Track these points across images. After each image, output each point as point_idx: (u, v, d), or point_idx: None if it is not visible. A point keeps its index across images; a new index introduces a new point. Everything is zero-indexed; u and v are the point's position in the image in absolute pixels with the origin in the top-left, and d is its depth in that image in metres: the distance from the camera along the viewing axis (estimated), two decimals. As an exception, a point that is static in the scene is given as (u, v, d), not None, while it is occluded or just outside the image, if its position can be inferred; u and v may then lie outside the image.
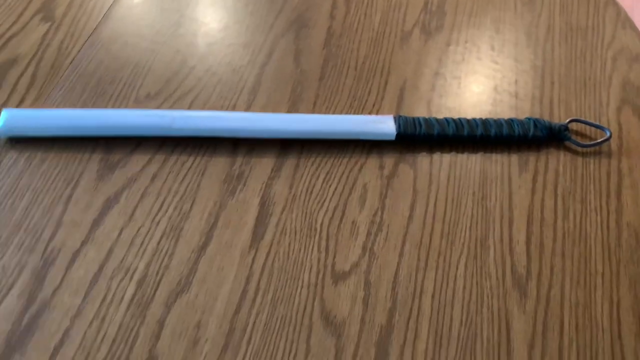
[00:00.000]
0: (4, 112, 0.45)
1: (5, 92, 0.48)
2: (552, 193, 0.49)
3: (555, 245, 0.46)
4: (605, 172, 0.52)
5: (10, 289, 0.39)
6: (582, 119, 0.54)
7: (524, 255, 0.45)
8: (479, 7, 0.62)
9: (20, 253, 0.41)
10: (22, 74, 0.49)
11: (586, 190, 0.50)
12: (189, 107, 0.50)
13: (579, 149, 0.53)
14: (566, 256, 0.46)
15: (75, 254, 0.41)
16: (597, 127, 0.54)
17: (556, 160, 0.52)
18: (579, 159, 0.52)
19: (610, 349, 0.42)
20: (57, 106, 0.48)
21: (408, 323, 0.41)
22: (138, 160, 0.46)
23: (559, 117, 0.55)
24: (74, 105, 0.48)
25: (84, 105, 0.48)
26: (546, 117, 0.54)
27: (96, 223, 0.43)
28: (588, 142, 0.53)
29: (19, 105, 0.48)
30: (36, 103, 0.48)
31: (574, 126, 0.54)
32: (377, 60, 0.56)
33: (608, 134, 0.53)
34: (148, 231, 0.43)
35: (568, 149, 0.53)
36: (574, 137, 0.53)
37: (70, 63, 0.51)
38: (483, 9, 0.62)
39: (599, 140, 0.53)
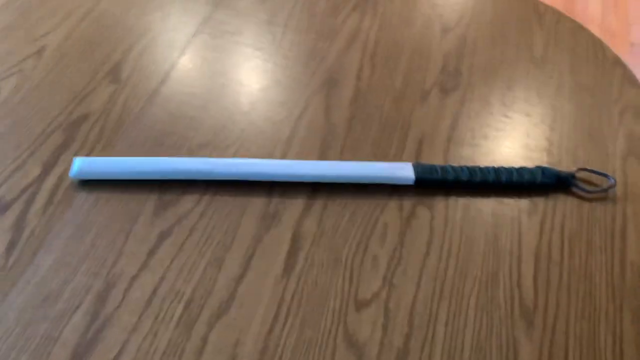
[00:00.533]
0: (77, 159, 0.54)
1: (78, 143, 0.57)
2: (559, 234, 0.54)
3: (562, 281, 0.51)
4: (611, 216, 0.56)
5: (78, 307, 0.46)
6: (589, 168, 0.59)
7: (531, 290, 0.50)
8: (492, 69, 0.69)
9: (87, 277, 0.47)
10: (92, 127, 0.58)
11: (592, 232, 0.54)
12: (233, 155, 0.57)
13: (586, 194, 0.57)
14: (571, 292, 0.50)
15: (133, 279, 0.48)
16: (602, 175, 0.58)
17: (564, 205, 0.56)
18: (586, 204, 0.57)
19: (612, 377, 0.45)
20: (122, 155, 0.56)
21: (423, 347, 0.46)
22: (188, 200, 0.53)
23: (567, 166, 0.60)
24: (135, 154, 0.56)
25: (144, 154, 0.56)
26: (555, 166, 0.59)
27: (151, 253, 0.49)
28: (594, 189, 0.57)
29: (89, 154, 0.56)
30: (104, 151, 0.56)
31: (581, 174, 0.59)
32: (399, 115, 0.63)
33: (613, 181, 0.57)
34: (195, 261, 0.49)
35: (575, 195, 0.57)
36: (581, 184, 0.58)
37: (134, 118, 0.59)
38: (496, 70, 0.69)
39: (604, 187, 0.57)
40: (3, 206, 0.51)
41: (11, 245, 0.49)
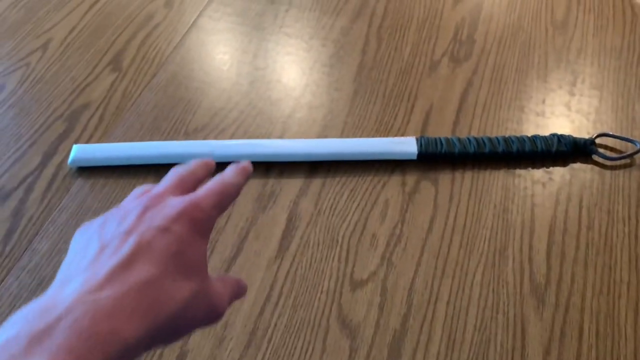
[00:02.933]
0: (75, 147, 0.54)
1: (78, 131, 0.57)
2: (576, 205, 0.50)
3: (578, 254, 0.47)
4: (636, 183, 0.51)
5: (70, 292, 0.46)
6: (610, 133, 0.54)
7: (543, 264, 0.46)
8: (509, 34, 0.65)
9: (81, 262, 0.47)
10: (92, 116, 0.58)
11: (614, 201, 0.50)
12: (231, 137, 0.56)
13: (607, 162, 0.53)
14: (589, 265, 0.46)
15: (125, 263, 0.47)
16: (626, 140, 0.54)
17: (582, 174, 0.52)
18: (607, 172, 0.52)
19: (633, 356, 0.41)
20: (119, 141, 0.56)
21: (422, 327, 0.43)
22: (183, 184, 0.52)
23: (588, 133, 0.55)
24: (133, 140, 0.56)
25: (142, 139, 0.56)
26: (575, 134, 0.55)
27: (144, 237, 0.49)
28: (617, 155, 0.53)
29: (88, 141, 0.56)
30: (102, 139, 0.56)
31: (603, 140, 0.54)
32: (405, 87, 0.60)
33: (638, 146, 0.52)
34: (187, 243, 0.48)
35: (596, 163, 0.53)
36: (601, 150, 0.53)
37: (132, 105, 0.59)
38: (513, 35, 0.65)
39: (628, 153, 0.52)
40: (3, 196, 0.52)
41: (9, 233, 0.49)
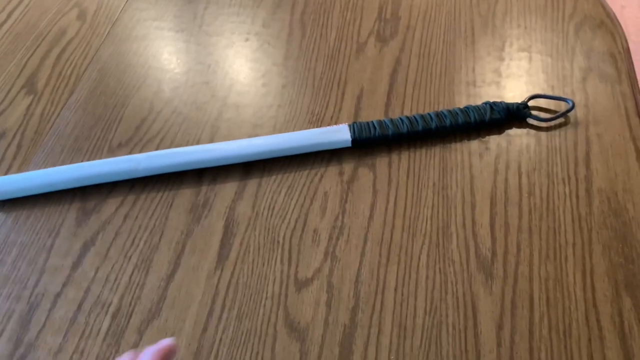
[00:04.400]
0: (-8, 180, 0.50)
1: (-5, 163, 0.53)
2: (515, 172, 0.49)
3: (522, 222, 0.46)
4: (572, 142, 0.51)
5: None
6: (542, 93, 0.53)
7: (488, 237, 0.45)
8: (433, 5, 0.63)
9: (9, 302, 0.44)
10: (9, 145, 0.55)
11: (552, 163, 0.49)
12: (157, 148, 0.53)
13: (542, 124, 0.52)
14: (533, 231, 0.45)
15: (57, 297, 0.44)
16: (558, 99, 0.53)
17: (519, 139, 0.51)
18: (543, 134, 0.51)
19: (584, 318, 0.40)
20: (40, 168, 0.53)
21: (371, 319, 0.42)
22: (111, 204, 0.50)
23: (521, 97, 0.54)
24: (54, 164, 0.53)
25: (63, 163, 0.53)
26: (508, 99, 0.54)
27: (75, 266, 0.46)
28: (551, 116, 0.52)
29: (7, 172, 0.53)
30: (22, 167, 0.53)
31: (537, 103, 0.54)
32: (334, 74, 0.58)
33: (570, 104, 0.52)
34: (121, 267, 0.46)
35: (531, 126, 0.52)
36: (535, 113, 0.53)
37: (51, 128, 0.56)
38: (438, 6, 0.63)
39: (560, 112, 0.52)
40: None
41: None
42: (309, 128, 0.54)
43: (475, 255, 0.44)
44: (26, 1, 0.69)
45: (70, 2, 0.68)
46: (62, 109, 0.57)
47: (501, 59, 0.58)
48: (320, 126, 0.54)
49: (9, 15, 0.67)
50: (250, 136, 0.54)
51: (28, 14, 0.67)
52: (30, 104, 0.58)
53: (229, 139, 0.54)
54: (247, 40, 0.62)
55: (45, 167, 0.53)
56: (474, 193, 0.48)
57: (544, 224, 0.45)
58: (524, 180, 0.48)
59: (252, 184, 0.50)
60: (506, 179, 0.49)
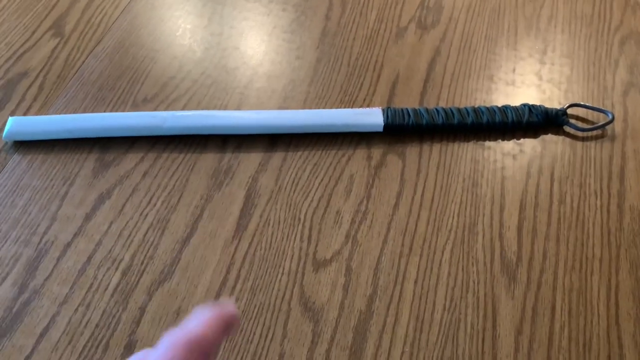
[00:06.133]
0: (10, 119, 0.49)
1: (14, 102, 0.52)
2: (548, 178, 0.48)
3: (550, 229, 0.45)
4: (608, 155, 0.49)
5: (5, 278, 0.41)
6: (582, 103, 0.52)
7: (514, 241, 0.44)
8: (477, 2, 0.62)
9: (17, 246, 0.43)
10: (30, 85, 0.53)
11: (586, 174, 0.48)
12: (183, 108, 0.52)
13: (579, 133, 0.51)
14: (561, 241, 0.44)
15: (67, 246, 0.43)
16: (598, 110, 0.52)
17: (554, 146, 0.50)
18: (579, 144, 0.50)
19: (606, 334, 0.40)
20: (60, 113, 0.51)
21: (388, 309, 0.41)
22: (131, 159, 0.48)
23: (559, 103, 0.53)
24: (75, 111, 0.51)
25: (85, 111, 0.51)
26: (546, 104, 0.53)
27: (88, 217, 0.45)
28: (589, 126, 0.51)
29: (26, 113, 0.51)
30: (41, 110, 0.51)
31: (575, 111, 0.52)
32: (371, 56, 0.56)
33: (610, 117, 0.51)
34: (136, 224, 0.44)
35: (567, 134, 0.51)
36: (573, 121, 0.51)
37: (75, 74, 0.54)
38: (482, 1, 0.62)
39: (600, 124, 0.51)
40: None
41: None
42: (341, 107, 0.52)
43: (500, 258, 0.43)
44: (60, -58, 0.66)
45: (105, -51, 0.66)
46: (88, 55, 0.55)
47: (542, 63, 0.56)
48: (352, 107, 0.52)
49: (41, -46, 0.65)
50: (279, 108, 0.52)
51: (61, -45, 0.65)
52: (56, 47, 0.56)
53: (257, 109, 0.52)
54: (284, 10, 0.60)
55: (66, 113, 0.51)
56: (504, 194, 0.47)
57: (572, 235, 0.44)
58: (556, 187, 0.47)
59: (277, 157, 0.49)
60: (538, 184, 0.47)
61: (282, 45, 0.57)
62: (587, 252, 0.43)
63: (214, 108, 0.52)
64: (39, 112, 0.51)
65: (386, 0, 0.62)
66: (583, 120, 0.52)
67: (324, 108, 0.52)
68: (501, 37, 0.58)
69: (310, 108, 0.52)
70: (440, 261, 0.43)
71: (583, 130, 0.50)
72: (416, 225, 0.45)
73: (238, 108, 0.52)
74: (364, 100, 0.53)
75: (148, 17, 0.59)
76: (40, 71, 0.54)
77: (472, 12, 0.61)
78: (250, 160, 0.49)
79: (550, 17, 0.61)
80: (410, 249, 0.43)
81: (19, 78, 0.53)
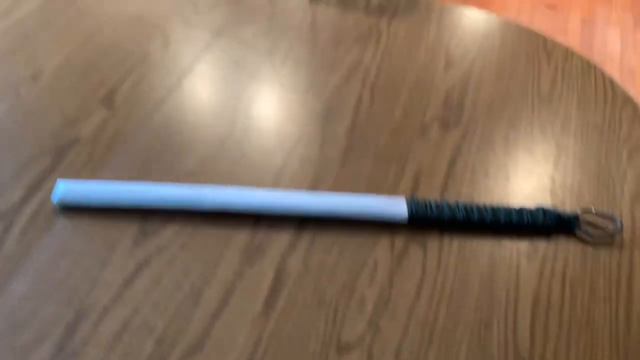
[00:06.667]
0: (60, 183, 0.52)
1: (64, 167, 0.55)
2: (560, 280, 0.51)
3: (561, 331, 0.47)
4: (616, 263, 0.52)
5: (44, 338, 0.44)
6: (593, 210, 0.56)
7: (527, 339, 0.46)
8: (496, 105, 0.67)
9: (58, 307, 0.45)
10: (80, 152, 0.57)
11: (595, 279, 0.51)
12: (221, 185, 0.55)
13: (590, 239, 0.54)
14: (571, 344, 0.46)
15: (105, 311, 0.46)
16: (608, 218, 0.55)
17: (566, 249, 0.53)
18: (589, 249, 0.53)
19: None
20: (107, 180, 0.55)
21: (407, 398, 0.43)
22: (170, 231, 0.51)
23: (571, 208, 0.57)
24: (121, 180, 0.55)
25: (130, 180, 0.55)
26: (558, 207, 0.56)
27: (127, 284, 0.47)
28: (599, 233, 0.54)
29: (75, 178, 0.55)
30: (89, 177, 0.55)
31: (585, 217, 0.56)
32: (396, 148, 0.61)
33: (619, 226, 0.54)
34: (172, 295, 0.47)
35: (579, 239, 0.54)
36: (584, 227, 0.55)
37: (123, 144, 0.58)
38: (500, 106, 0.67)
39: (609, 232, 0.54)
40: (-20, 230, 0.50)
41: (-16, 271, 0.47)
42: (367, 193, 0.56)
43: (514, 354, 0.45)
44: (116, 19, 0.72)
45: (157, 29, 0.72)
46: (137, 128, 0.60)
47: (556, 167, 0.60)
48: (378, 195, 0.56)
49: (98, 29, 0.71)
50: (311, 188, 0.56)
51: (117, 32, 0.71)
52: (107, 118, 0.60)
53: (289, 189, 0.56)
54: (318, 99, 0.65)
55: (112, 181, 0.55)
56: (518, 293, 0.49)
57: (582, 338, 0.47)
58: (567, 290, 0.50)
59: (305, 238, 0.52)
60: (550, 285, 0.50)
61: (315, 132, 0.62)
62: (596, 356, 0.46)
63: (250, 186, 0.56)
64: (87, 179, 0.55)
65: (411, 97, 0.67)
66: (594, 225, 0.55)
67: (351, 193, 0.56)
68: (518, 140, 0.63)
69: (339, 192, 0.56)
70: (458, 354, 0.45)
71: (594, 236, 0.54)
72: (435, 317, 0.47)
73: (272, 188, 0.56)
74: (389, 188, 0.57)
75: (194, 96, 0.64)
76: (91, 140, 0.58)
77: (492, 114, 0.66)
78: (281, 239, 0.52)
79: (564, 123, 0.65)
80: (430, 340, 0.46)
81: (70, 144, 0.58)
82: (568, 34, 2.00)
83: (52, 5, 0.74)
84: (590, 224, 0.56)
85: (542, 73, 0.71)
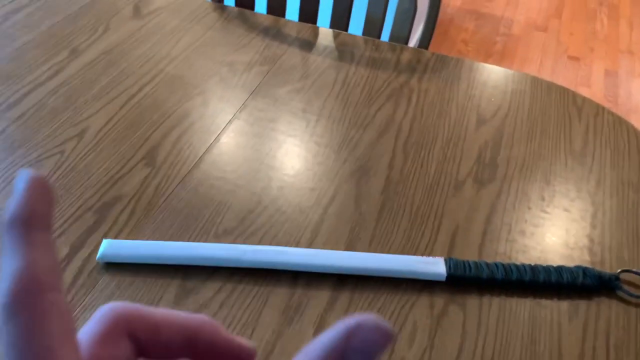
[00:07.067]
0: (104, 242, 0.54)
1: (108, 225, 0.57)
2: (604, 343, 0.50)
3: (608, 396, 0.46)
4: (661, 324, 0.51)
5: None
6: (634, 269, 0.55)
7: (574, 405, 0.45)
8: (530, 161, 0.67)
9: (101, 366, 0.46)
10: (123, 210, 0.58)
11: (641, 341, 0.50)
12: (259, 242, 0.56)
13: (632, 299, 0.53)
14: (620, 409, 0.45)
15: (147, 370, 0.46)
16: (650, 278, 0.55)
17: (608, 309, 0.52)
18: (632, 310, 0.52)
19: None
20: (149, 238, 0.56)
21: None
22: (210, 288, 0.52)
23: (611, 266, 0.56)
24: (162, 237, 0.56)
25: (171, 238, 0.56)
26: (597, 266, 0.56)
27: (168, 343, 0.48)
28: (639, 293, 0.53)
29: (117, 235, 0.56)
30: (131, 234, 0.56)
31: (626, 276, 0.55)
32: (431, 205, 0.61)
33: (662, 286, 0.53)
34: (212, 353, 0.47)
35: (620, 299, 0.53)
36: (625, 287, 0.54)
37: (164, 202, 0.60)
38: (534, 162, 0.67)
39: (652, 291, 0.53)
40: (27, 286, 0.51)
41: (29, 328, 0.48)
42: (404, 253, 0.56)
43: (560, 421, 0.44)
44: (157, 79, 0.76)
45: (196, 89, 0.75)
46: (177, 186, 0.61)
47: (594, 226, 0.60)
48: (415, 253, 0.56)
49: (140, 89, 0.74)
50: (347, 248, 0.56)
51: (157, 92, 0.74)
52: (148, 176, 0.62)
53: (326, 247, 0.56)
54: (352, 156, 0.67)
55: (153, 239, 0.56)
56: (561, 355, 0.49)
57: (631, 404, 0.46)
58: (612, 353, 0.49)
59: (344, 297, 0.52)
60: (594, 348, 0.49)
61: (350, 189, 0.62)
62: None
63: (287, 243, 0.56)
64: (129, 236, 0.56)
65: (445, 154, 0.68)
66: (635, 285, 0.55)
67: (387, 251, 0.56)
68: (553, 198, 0.63)
69: (375, 250, 0.56)
70: (502, 420, 0.44)
71: (635, 297, 0.53)
72: (477, 379, 0.47)
73: (309, 245, 0.56)
74: (426, 247, 0.57)
75: (232, 154, 0.65)
76: (133, 197, 0.60)
77: (526, 171, 0.66)
78: (319, 298, 0.52)
79: (599, 181, 0.65)
80: (473, 404, 0.45)
81: (113, 202, 0.59)
82: (591, 86, 2.01)
83: (96, 66, 0.77)
84: (630, 284, 0.55)
85: (573, 129, 0.72)
